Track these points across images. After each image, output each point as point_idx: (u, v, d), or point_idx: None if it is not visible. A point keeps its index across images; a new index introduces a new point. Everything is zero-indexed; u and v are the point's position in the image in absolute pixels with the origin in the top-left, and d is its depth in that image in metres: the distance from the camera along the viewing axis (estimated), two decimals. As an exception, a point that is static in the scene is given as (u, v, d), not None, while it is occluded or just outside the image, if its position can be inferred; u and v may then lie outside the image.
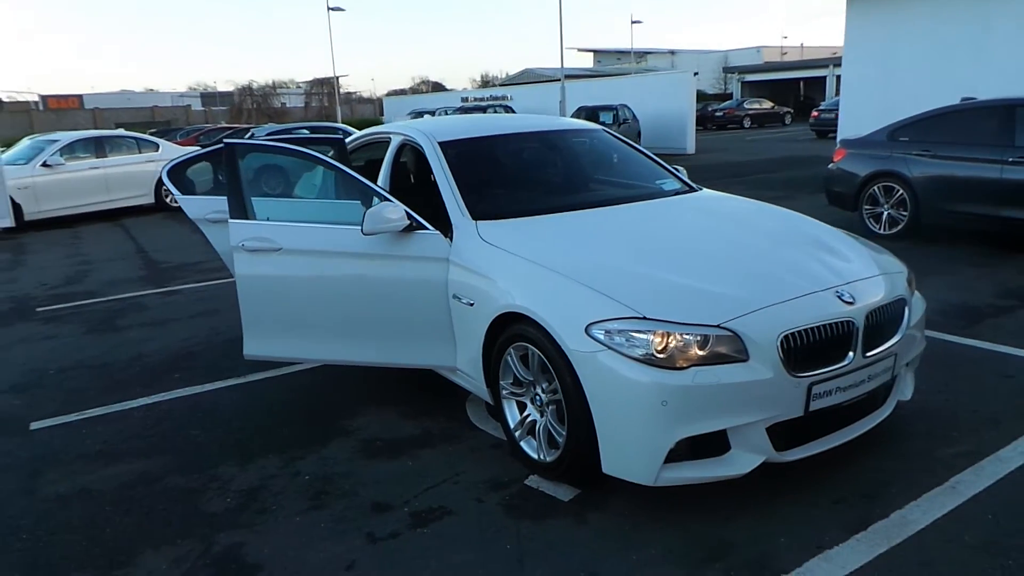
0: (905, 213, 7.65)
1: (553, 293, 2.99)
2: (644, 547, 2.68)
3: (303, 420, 3.96)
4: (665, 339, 2.68)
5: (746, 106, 35.18)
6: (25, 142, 12.43)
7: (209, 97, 75.42)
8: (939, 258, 6.92)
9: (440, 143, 4.11)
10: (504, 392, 3.32)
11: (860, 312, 2.87)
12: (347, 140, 5.27)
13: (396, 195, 4.50)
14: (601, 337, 2.74)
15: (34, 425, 4.04)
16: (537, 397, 3.16)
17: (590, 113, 19.99)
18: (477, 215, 3.64)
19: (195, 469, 3.46)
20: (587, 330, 2.78)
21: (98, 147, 12.12)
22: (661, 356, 2.67)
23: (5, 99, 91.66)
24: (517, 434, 3.28)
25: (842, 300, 2.88)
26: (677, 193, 4.27)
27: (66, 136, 12.17)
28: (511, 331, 3.15)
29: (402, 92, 61.85)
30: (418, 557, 2.69)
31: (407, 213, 3.58)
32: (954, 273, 6.35)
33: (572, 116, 20.15)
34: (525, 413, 3.26)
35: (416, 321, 3.65)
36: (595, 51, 68.55)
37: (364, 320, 3.73)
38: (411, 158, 4.84)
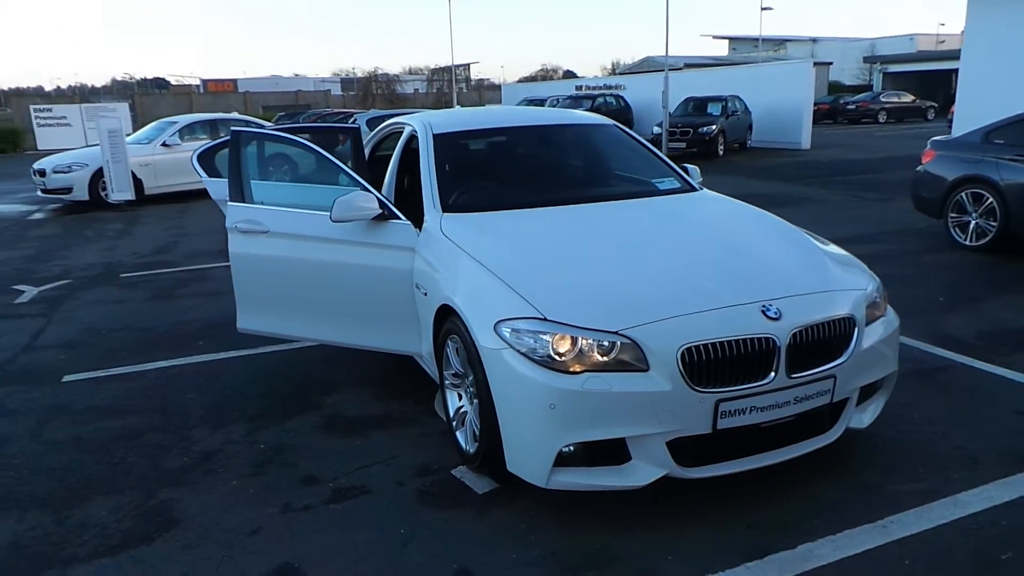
0: (994, 224, 6.92)
1: (477, 288, 3.03)
2: (529, 547, 2.68)
3: (287, 392, 4.22)
4: (564, 342, 2.66)
5: (882, 99, 32.53)
6: (151, 124, 13.70)
7: (347, 82, 79.32)
8: (1017, 276, 6.23)
9: (435, 135, 4.21)
10: (447, 382, 3.40)
11: (784, 329, 2.70)
12: (377, 129, 5.50)
13: (403, 184, 4.67)
14: (507, 335, 2.76)
15: (66, 378, 4.56)
16: (468, 389, 3.22)
17: (698, 104, 19.31)
18: (447, 207, 3.73)
19: (174, 428, 3.79)
20: (495, 327, 2.80)
21: (213, 129, 13.17)
22: (559, 359, 2.65)
23: (173, 82, 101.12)
24: (454, 424, 3.35)
25: (766, 315, 2.72)
26: (669, 192, 4.13)
27: (185, 119, 13.32)
28: (448, 324, 3.21)
29: (532, 79, 62.12)
30: (318, 531, 2.84)
31: (380, 202, 3.71)
32: (1027, 293, 5.71)
33: (678, 107, 19.58)
34: (460, 403, 3.32)
35: (386, 307, 3.79)
36: (730, 38, 65.81)
37: (340, 303, 3.91)
38: (418, 148, 4.97)
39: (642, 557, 2.61)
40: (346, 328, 3.96)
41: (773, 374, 2.70)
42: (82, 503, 3.10)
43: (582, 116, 4.88)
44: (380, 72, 49.93)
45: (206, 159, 4.95)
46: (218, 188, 4.84)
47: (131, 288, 6.87)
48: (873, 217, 9.33)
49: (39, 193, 12.36)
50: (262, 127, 12.49)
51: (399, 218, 3.73)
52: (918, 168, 7.85)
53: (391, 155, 5.04)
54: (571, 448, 2.70)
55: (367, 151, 5.32)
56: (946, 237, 7.42)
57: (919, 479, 3.06)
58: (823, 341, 2.80)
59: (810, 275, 3.04)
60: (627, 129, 4.75)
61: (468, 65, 73.52)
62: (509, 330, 2.76)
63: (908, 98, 32.78)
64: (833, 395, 2.86)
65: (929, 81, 39.54)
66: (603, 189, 4.13)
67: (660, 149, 17.98)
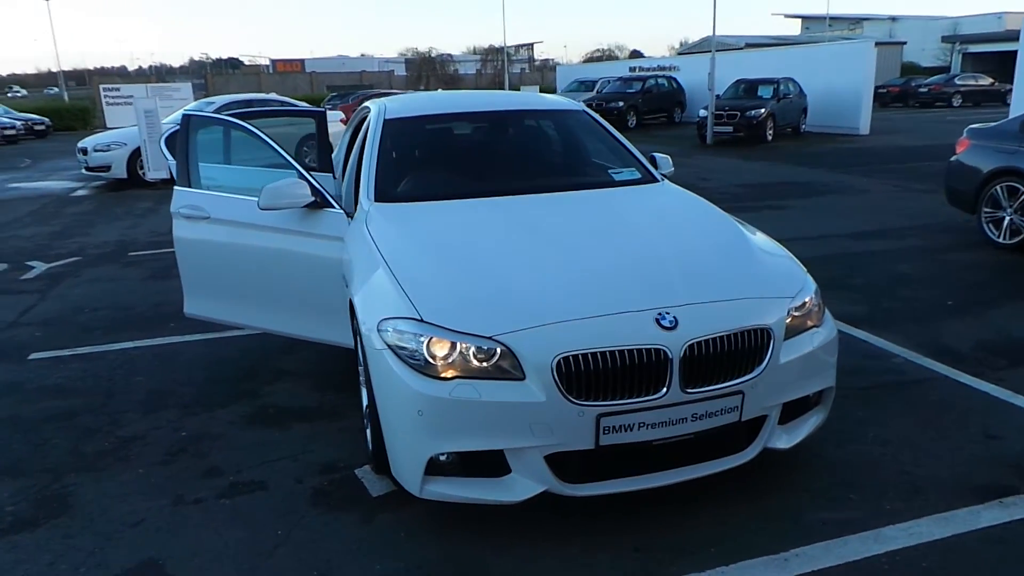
0: (1029, 221, 6.34)
1: (374, 284, 2.89)
2: (399, 558, 2.56)
3: (233, 379, 4.20)
4: (441, 345, 2.50)
5: (957, 82, 30.51)
6: (190, 104, 14.00)
7: (412, 63, 79.72)
8: (1046, 279, 5.70)
9: (386, 120, 4.09)
10: (361, 378, 3.28)
11: (679, 340, 2.47)
12: (355, 113, 5.40)
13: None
14: (389, 336, 2.62)
15: (32, 356, 4.65)
16: (373, 388, 3.10)
17: (748, 86, 18.50)
18: (381, 196, 3.60)
19: (108, 411, 3.81)
20: (379, 326, 2.66)
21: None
22: (435, 363, 2.50)
23: (246, 62, 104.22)
24: (365, 422, 3.24)
25: (660, 324, 2.49)
26: (624, 184, 3.89)
27: (222, 99, 13.54)
28: (356, 320, 3.09)
29: (599, 59, 60.87)
30: (199, 526, 2.78)
31: (314, 189, 3.62)
32: (1050, 300, 5.19)
33: (728, 89, 18.84)
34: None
35: (319, 298, 3.70)
36: (802, 17, 63.02)
37: (276, 292, 3.85)
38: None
39: (510, 577, 2.45)
40: (283, 318, 3.90)
41: (665, 389, 2.47)
42: (-11, 484, 3.13)
43: (550, 101, 4.65)
44: (436, 52, 50.07)
45: (173, 142, 4.93)
46: (184, 171, 4.84)
47: (134, 267, 7.01)
48: (910, 209, 8.72)
49: (83, 171, 12.82)
50: (295, 107, 12.61)
51: (333, 206, 3.64)
52: (952, 158, 7.27)
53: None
54: (447, 457, 2.55)
55: (348, 135, 5.24)
56: (979, 234, 6.85)
57: (846, 507, 2.78)
58: (728, 354, 2.54)
59: (726, 281, 2.77)
60: (596, 116, 4.50)
61: (531, 45, 72.72)
62: (391, 330, 2.62)
63: (986, 81, 30.64)
64: (742, 413, 2.61)
65: (1015, 62, 36.90)
66: (550, 179, 3.90)
67: (706, 133, 17.34)
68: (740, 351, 2.57)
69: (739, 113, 17.02)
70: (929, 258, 6.48)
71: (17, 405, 3.93)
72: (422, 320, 2.55)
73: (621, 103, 22.70)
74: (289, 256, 3.75)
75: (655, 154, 4.30)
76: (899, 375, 3.98)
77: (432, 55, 48.33)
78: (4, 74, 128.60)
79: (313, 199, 3.61)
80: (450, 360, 2.49)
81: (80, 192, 12.37)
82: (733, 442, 2.72)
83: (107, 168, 12.29)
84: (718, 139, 17.35)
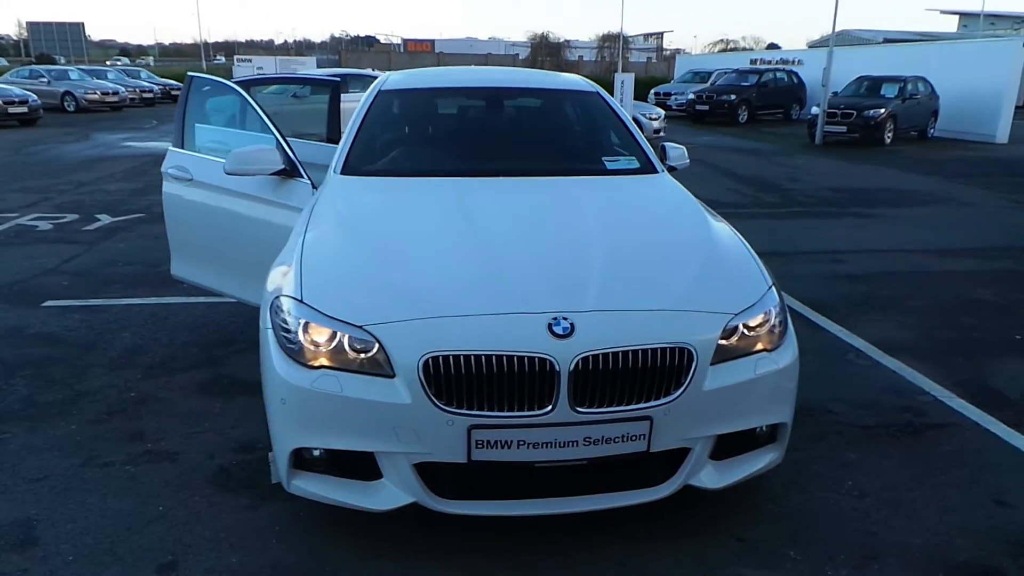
0: None
1: (284, 260, 2.72)
2: (257, 553, 2.41)
3: (209, 344, 4.18)
4: (319, 331, 2.29)
5: None
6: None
7: (533, 47, 79.71)
8: None
9: (381, 91, 3.94)
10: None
11: (569, 351, 2.13)
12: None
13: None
14: (275, 315, 2.44)
15: (45, 303, 4.85)
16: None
17: (871, 84, 16.96)
18: (344, 169, 3.44)
19: (80, 364, 3.88)
20: (270, 304, 2.50)
21: (343, 83, 13.65)
22: (306, 348, 2.29)
23: (382, 40, 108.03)
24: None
25: (552, 331, 2.16)
26: (614, 173, 3.53)
27: (319, 72, 13.90)
28: None
29: (732, 49, 58.38)
30: (91, 491, 2.73)
31: (287, 158, 3.52)
32: None
33: (848, 86, 17.39)
34: (293, 383, 3.05)
35: (285, 270, 3.59)
36: (960, 13, 57.65)
37: (251, 261, 3.77)
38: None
39: (360, 591, 2.23)
40: (255, 289, 3.82)
41: (551, 405, 2.15)
42: (-61, 424, 3.24)
43: (561, 81, 4.31)
44: (553, 37, 49.69)
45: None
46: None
47: (184, 227, 7.24)
48: (1017, 228, 7.65)
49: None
50: (313, 76, 12.71)
51: (302, 177, 3.52)
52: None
53: None
54: (319, 452, 2.35)
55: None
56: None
57: (778, 565, 2.36)
58: (632, 372, 2.18)
59: (655, 288, 2.38)
60: (609, 99, 4.12)
61: (660, 34, 70.69)
62: (277, 309, 2.44)
63: None
64: (650, 442, 2.25)
65: None
66: (530, 163, 3.58)
67: (815, 132, 16.08)
68: (650, 370, 2.20)
69: (855, 112, 15.65)
70: (1017, 284, 5.61)
71: (7, 348, 4.08)
72: (302, 301, 2.36)
73: (733, 96, 21.56)
74: (261, 225, 3.66)
75: (666, 144, 3.90)
76: (918, 415, 3.41)
77: (549, 39, 47.91)
78: (167, 43, 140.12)
79: (283, 167, 3.50)
80: (326, 349, 2.28)
81: (180, 154, 13.06)
82: (645, 474, 2.36)
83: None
84: (828, 139, 16.08)
